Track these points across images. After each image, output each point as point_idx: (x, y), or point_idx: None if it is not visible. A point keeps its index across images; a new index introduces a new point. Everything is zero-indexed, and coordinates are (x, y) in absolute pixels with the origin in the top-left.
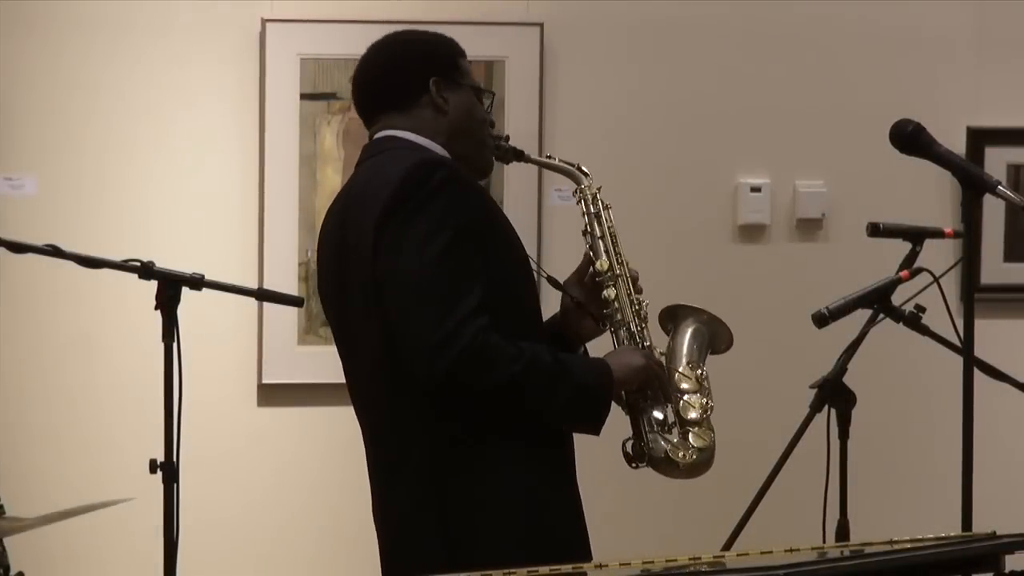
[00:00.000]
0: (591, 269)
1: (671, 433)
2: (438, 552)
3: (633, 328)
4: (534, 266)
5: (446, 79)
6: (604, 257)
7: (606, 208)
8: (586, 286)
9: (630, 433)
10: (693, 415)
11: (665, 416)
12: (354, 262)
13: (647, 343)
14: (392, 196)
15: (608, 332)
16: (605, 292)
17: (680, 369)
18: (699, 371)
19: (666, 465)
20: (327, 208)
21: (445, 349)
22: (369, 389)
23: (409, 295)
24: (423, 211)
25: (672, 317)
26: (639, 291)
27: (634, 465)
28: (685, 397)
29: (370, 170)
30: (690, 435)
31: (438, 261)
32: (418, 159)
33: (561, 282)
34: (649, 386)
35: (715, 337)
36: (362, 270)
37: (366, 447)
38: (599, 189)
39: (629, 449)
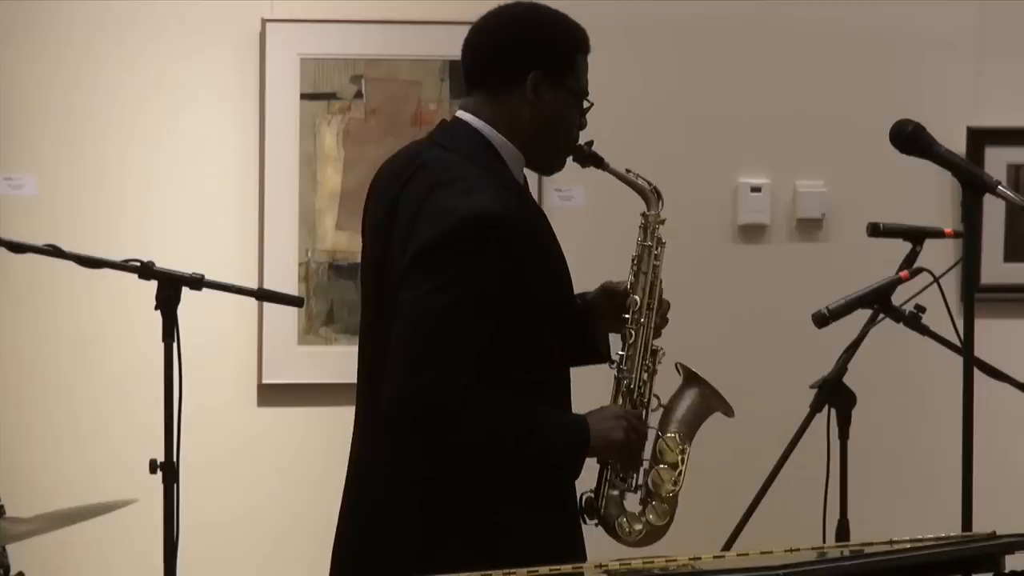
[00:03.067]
0: (628, 300)
1: (632, 498)
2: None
3: (634, 385)
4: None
5: (549, 76)
6: (639, 295)
7: (660, 245)
8: (612, 300)
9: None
10: (661, 490)
11: (630, 483)
12: (389, 270)
13: (645, 399)
14: (434, 239)
15: (613, 372)
16: (624, 331)
17: (667, 437)
18: (683, 446)
19: (614, 533)
20: (388, 165)
21: (420, 397)
22: (367, 375)
23: (407, 335)
24: (451, 263)
25: (685, 372)
26: (663, 325)
27: (585, 520)
28: (660, 467)
29: (434, 170)
30: (649, 507)
31: (443, 312)
32: (474, 212)
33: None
34: (621, 459)
35: (713, 410)
36: (391, 283)
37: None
38: (663, 221)
39: (583, 503)
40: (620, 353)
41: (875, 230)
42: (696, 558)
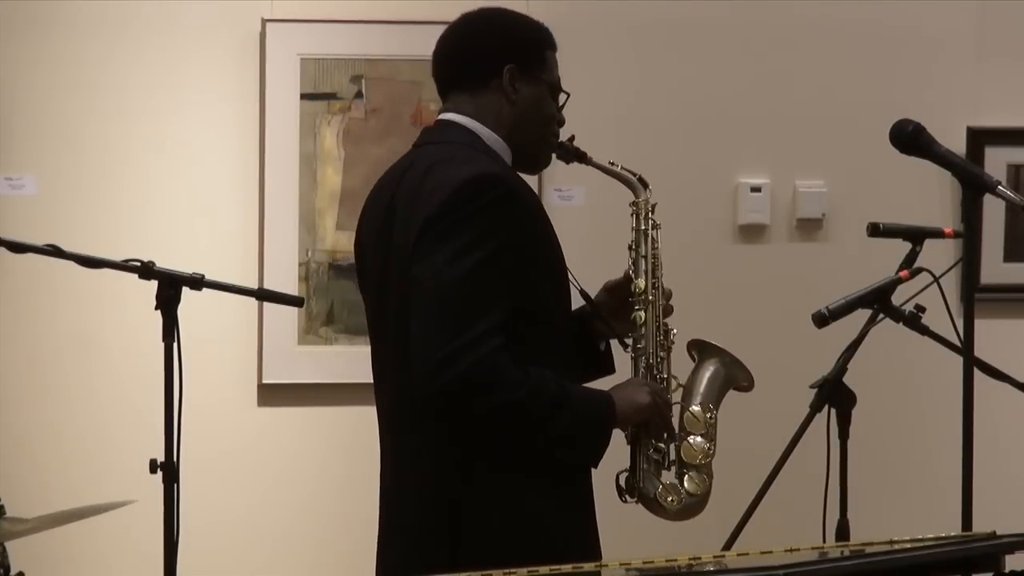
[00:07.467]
0: (631, 286)
1: (667, 474)
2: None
3: (652, 360)
4: (573, 281)
5: (523, 69)
6: (642, 278)
7: (655, 228)
8: (616, 296)
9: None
10: (693, 459)
11: (664, 456)
12: (396, 259)
13: (664, 376)
14: (440, 206)
15: (629, 355)
16: (634, 315)
17: (692, 409)
18: (709, 415)
19: (655, 506)
20: (378, 181)
21: (451, 364)
22: (392, 381)
23: (429, 306)
24: (464, 227)
25: (698, 349)
26: (669, 312)
27: (624, 499)
28: (690, 439)
29: (426, 161)
30: (686, 478)
31: (463, 278)
32: (476, 172)
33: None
34: (652, 424)
35: (735, 379)
36: (402, 269)
37: (381, 437)
38: (654, 206)
39: (622, 483)
40: (633, 335)
41: (875, 230)
42: (696, 558)
